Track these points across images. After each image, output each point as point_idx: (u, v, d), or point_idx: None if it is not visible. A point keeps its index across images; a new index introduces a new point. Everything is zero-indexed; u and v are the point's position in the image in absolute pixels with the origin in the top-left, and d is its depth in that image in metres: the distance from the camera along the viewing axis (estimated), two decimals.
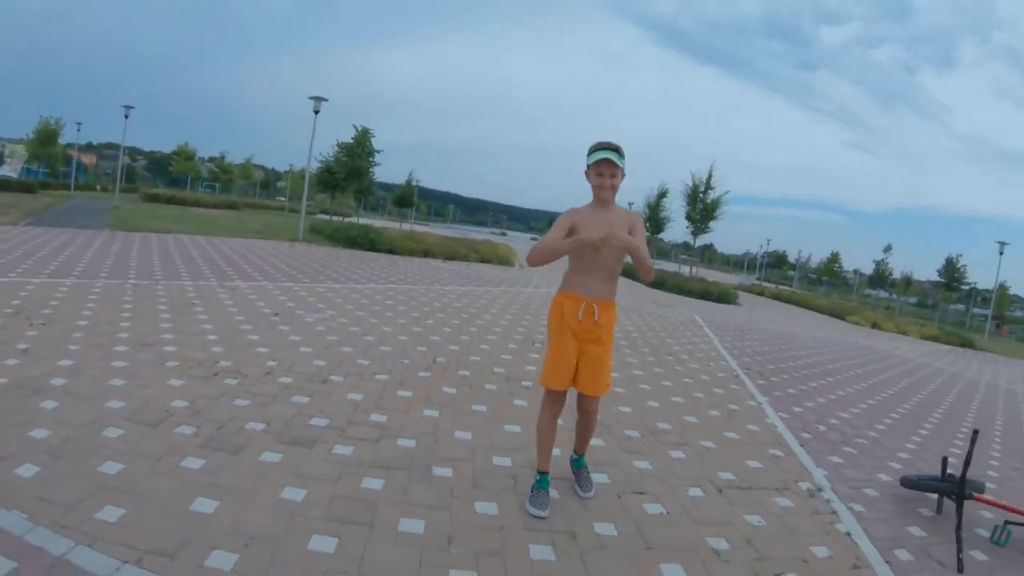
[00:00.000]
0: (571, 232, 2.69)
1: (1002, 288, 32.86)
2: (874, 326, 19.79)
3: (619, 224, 2.69)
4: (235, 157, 52.36)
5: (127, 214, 18.25)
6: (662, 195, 26.72)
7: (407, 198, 37.35)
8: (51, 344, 4.10)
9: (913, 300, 49.73)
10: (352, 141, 22.09)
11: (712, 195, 20.96)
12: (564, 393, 2.85)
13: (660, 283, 19.92)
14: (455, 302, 8.58)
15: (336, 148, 22.70)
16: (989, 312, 28.59)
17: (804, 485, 3.63)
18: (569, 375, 2.79)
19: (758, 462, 3.90)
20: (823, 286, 56.22)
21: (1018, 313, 57.09)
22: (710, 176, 21.01)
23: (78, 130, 33.66)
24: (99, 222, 14.71)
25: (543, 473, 2.87)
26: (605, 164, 2.69)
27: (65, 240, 10.04)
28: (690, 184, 21.40)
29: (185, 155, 44.74)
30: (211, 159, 53.68)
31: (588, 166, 2.74)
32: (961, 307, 36.53)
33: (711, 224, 21.03)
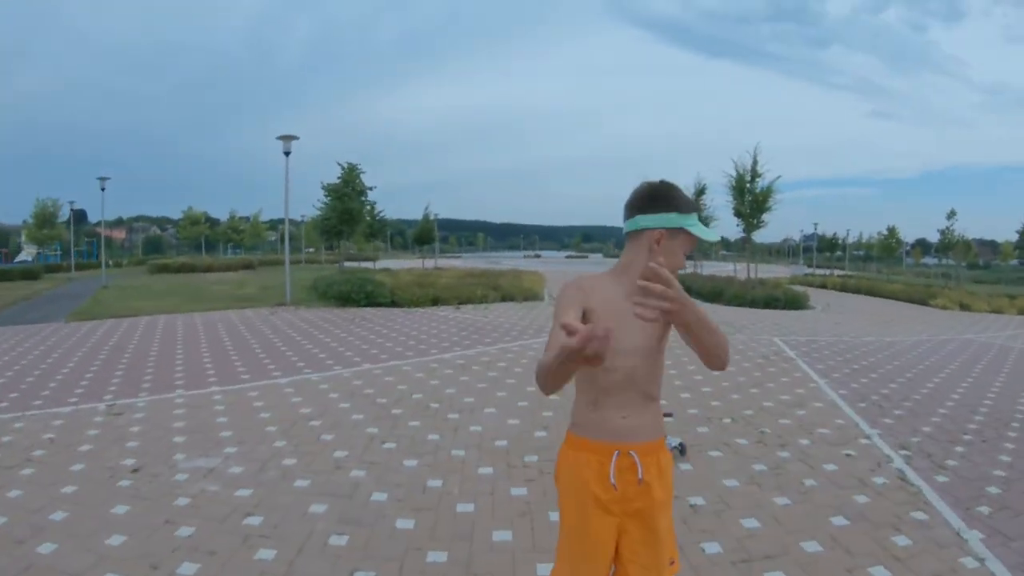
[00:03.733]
0: (586, 320, 1.46)
1: None
2: (962, 307, 17.19)
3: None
4: (250, 214, 51.10)
5: (110, 295, 17.20)
6: (700, 191, 23.68)
7: (427, 233, 36.46)
8: None
9: (964, 264, 45.61)
10: (339, 181, 19.73)
11: (761, 183, 17.77)
12: None
13: (718, 294, 17.31)
14: (448, 384, 6.02)
15: (323, 192, 20.30)
16: None
17: None
18: (605, 569, 1.51)
19: None
20: (874, 262, 52.08)
21: None
22: (755, 162, 17.84)
23: (71, 211, 32.08)
24: (65, 310, 13.41)
25: None
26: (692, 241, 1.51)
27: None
28: (734, 175, 18.14)
29: (191, 219, 43.22)
30: (227, 221, 52.50)
31: (664, 230, 1.47)
32: (1014, 263, 33.02)
33: (764, 217, 17.89)
